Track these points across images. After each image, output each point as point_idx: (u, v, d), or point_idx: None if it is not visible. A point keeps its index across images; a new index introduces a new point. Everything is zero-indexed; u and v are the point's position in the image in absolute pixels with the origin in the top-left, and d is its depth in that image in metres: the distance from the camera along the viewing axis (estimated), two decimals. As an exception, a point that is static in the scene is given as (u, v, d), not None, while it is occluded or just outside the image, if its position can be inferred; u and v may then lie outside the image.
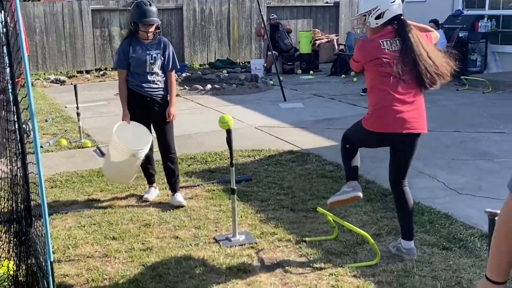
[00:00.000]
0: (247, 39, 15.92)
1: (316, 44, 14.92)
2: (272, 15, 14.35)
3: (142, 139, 4.65)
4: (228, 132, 3.89)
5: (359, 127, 3.64)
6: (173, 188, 4.82)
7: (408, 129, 3.45)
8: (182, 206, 4.66)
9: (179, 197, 4.75)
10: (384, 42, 3.44)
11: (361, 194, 3.64)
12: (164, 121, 4.69)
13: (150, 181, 5.00)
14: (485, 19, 11.67)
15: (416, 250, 3.70)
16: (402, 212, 3.67)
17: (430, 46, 3.49)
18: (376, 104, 3.49)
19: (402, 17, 3.48)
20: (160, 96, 4.68)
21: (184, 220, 4.39)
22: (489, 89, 10.08)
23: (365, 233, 3.72)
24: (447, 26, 11.83)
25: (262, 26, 12.04)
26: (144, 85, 4.63)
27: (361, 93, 9.98)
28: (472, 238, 3.89)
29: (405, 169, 3.63)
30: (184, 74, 12.82)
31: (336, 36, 16.22)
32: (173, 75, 4.73)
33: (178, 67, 4.80)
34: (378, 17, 3.43)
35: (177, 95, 10.35)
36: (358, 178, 3.73)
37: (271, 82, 11.90)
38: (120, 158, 4.56)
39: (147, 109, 4.68)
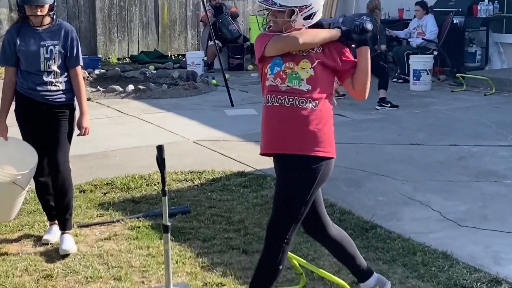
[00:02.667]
0: (182, 24, 15.90)
1: (272, 32, 15.03)
2: (213, -6, 14.38)
3: (26, 161, 4.52)
4: (159, 148, 3.79)
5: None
6: (62, 225, 4.67)
7: (273, 150, 3.46)
8: (68, 254, 4.48)
9: (68, 241, 4.55)
10: None
11: None
12: (60, 134, 4.56)
13: (51, 217, 4.85)
14: (486, 0, 12.06)
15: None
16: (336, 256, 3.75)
17: None
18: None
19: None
20: (61, 101, 4.56)
21: (99, 269, 4.26)
22: (492, 90, 10.39)
23: (342, 282, 3.71)
24: (438, 10, 12.17)
25: (203, 10, 12.01)
26: (38, 88, 4.49)
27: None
28: (478, 284, 3.94)
29: (277, 211, 3.43)
30: (97, 71, 12.65)
31: (297, 21, 16.39)
32: (80, 72, 4.62)
33: (82, 63, 4.69)
34: (307, 17, 3.41)
35: (88, 99, 10.21)
36: None
37: (214, 81, 11.88)
38: None
39: (43, 119, 4.55)
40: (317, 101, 3.32)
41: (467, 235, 4.77)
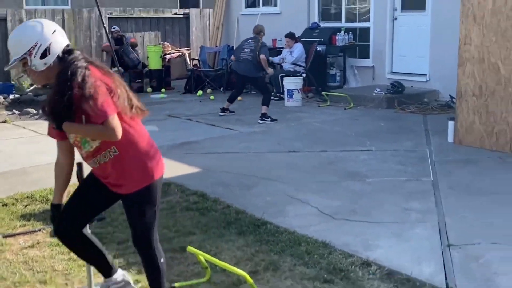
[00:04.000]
0: (87, 54, 15.32)
1: (167, 59, 14.89)
2: (113, 27, 14.08)
3: None
4: (79, 165, 3.62)
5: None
6: None
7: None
8: None
9: None
10: None
11: None
12: None
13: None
14: (342, 32, 12.48)
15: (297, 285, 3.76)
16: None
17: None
18: None
19: (70, 47, 3.11)
20: None
21: (25, 275, 4.01)
22: (350, 105, 10.72)
23: (242, 272, 3.67)
24: (304, 39, 12.46)
25: (107, 41, 11.74)
26: None
27: (219, 113, 10.09)
28: (353, 267, 4.01)
29: (135, 227, 3.35)
30: (11, 96, 12.09)
31: (188, 50, 16.33)
32: None
33: None
34: (43, 56, 2.97)
35: (5, 122, 9.72)
36: None
37: (118, 102, 11.55)
38: None
39: None
40: (114, 146, 3.09)
41: (341, 226, 4.86)
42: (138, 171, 3.16)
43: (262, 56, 9.75)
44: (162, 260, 3.35)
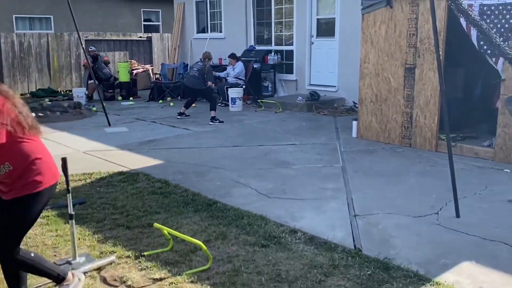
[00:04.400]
0: (68, 69, 14.87)
1: (134, 73, 14.55)
2: (91, 47, 13.62)
3: None
4: (64, 160, 3.49)
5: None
6: None
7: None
8: None
9: None
10: None
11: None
12: None
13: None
14: (273, 53, 12.52)
15: (240, 250, 3.75)
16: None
17: None
18: None
19: None
20: None
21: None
22: (279, 109, 10.78)
23: (198, 241, 3.64)
24: (244, 59, 12.42)
25: (85, 58, 11.38)
26: None
27: (177, 117, 9.95)
28: (284, 234, 4.05)
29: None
30: (5, 104, 11.47)
31: (151, 66, 16.03)
32: None
33: None
34: None
35: None
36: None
37: (94, 108, 11.23)
38: None
39: None
40: (7, 162, 2.69)
41: (274, 203, 4.88)
42: (23, 181, 2.73)
43: (209, 83, 9.77)
44: (32, 255, 2.94)
